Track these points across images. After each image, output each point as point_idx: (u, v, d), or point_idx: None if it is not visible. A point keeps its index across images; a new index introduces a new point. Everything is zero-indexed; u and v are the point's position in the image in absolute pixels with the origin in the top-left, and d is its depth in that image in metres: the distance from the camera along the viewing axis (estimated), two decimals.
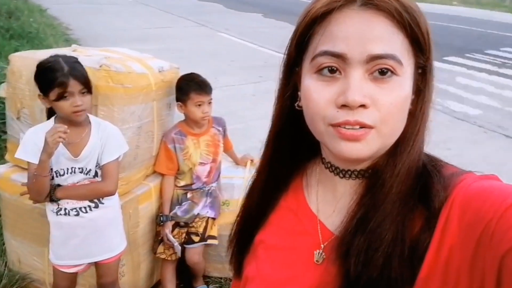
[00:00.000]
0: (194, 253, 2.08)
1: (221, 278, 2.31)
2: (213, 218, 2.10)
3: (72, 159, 1.54)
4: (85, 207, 1.60)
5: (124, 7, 12.52)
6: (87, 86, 1.51)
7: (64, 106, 1.47)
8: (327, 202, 0.59)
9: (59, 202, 1.57)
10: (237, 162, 2.37)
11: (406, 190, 0.51)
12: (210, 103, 1.98)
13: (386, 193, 0.51)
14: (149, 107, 1.91)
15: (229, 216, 2.15)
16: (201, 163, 2.03)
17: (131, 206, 1.89)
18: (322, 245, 0.56)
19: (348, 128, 0.48)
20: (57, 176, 1.55)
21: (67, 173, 1.56)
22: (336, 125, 0.49)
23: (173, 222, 2.04)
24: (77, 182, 1.58)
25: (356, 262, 0.49)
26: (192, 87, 1.94)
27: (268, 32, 9.86)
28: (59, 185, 1.56)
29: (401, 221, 0.49)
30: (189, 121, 2.02)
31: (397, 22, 0.48)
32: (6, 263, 2.10)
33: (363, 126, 0.48)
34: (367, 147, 0.49)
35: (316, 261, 0.56)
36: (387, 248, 0.48)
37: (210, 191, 2.09)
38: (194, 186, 2.05)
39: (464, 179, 0.49)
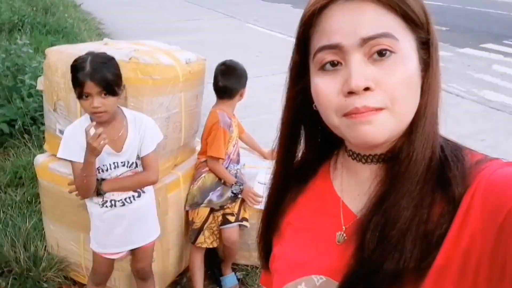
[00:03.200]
0: (231, 232, 2.12)
1: (247, 266, 2.36)
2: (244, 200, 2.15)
3: (115, 154, 1.60)
4: (129, 197, 1.67)
5: (153, 1, 12.71)
6: (108, 89, 1.47)
7: (84, 105, 1.50)
8: (351, 186, 0.60)
9: (104, 195, 1.62)
10: (263, 154, 2.41)
11: (423, 170, 0.51)
12: None
13: (403, 173, 0.51)
14: (176, 98, 1.96)
15: None
16: (233, 144, 2.12)
17: (160, 195, 1.96)
18: (344, 227, 0.58)
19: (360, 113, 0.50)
20: (101, 172, 1.61)
21: (111, 168, 1.61)
22: (348, 114, 0.51)
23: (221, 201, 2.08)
24: (120, 175, 1.64)
25: (372, 238, 0.50)
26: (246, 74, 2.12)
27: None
28: (103, 179, 1.61)
29: (419, 202, 0.50)
30: (232, 104, 2.11)
31: (383, 4, 0.49)
32: (45, 247, 2.22)
33: (372, 110, 0.49)
34: (381, 128, 0.50)
35: (338, 241, 0.58)
36: (403, 226, 0.49)
37: (236, 174, 2.15)
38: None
39: (488, 166, 0.49)
